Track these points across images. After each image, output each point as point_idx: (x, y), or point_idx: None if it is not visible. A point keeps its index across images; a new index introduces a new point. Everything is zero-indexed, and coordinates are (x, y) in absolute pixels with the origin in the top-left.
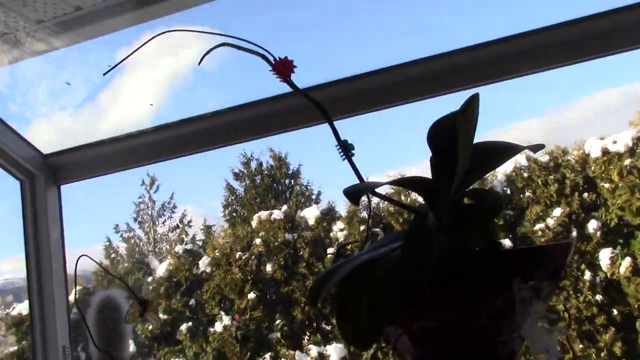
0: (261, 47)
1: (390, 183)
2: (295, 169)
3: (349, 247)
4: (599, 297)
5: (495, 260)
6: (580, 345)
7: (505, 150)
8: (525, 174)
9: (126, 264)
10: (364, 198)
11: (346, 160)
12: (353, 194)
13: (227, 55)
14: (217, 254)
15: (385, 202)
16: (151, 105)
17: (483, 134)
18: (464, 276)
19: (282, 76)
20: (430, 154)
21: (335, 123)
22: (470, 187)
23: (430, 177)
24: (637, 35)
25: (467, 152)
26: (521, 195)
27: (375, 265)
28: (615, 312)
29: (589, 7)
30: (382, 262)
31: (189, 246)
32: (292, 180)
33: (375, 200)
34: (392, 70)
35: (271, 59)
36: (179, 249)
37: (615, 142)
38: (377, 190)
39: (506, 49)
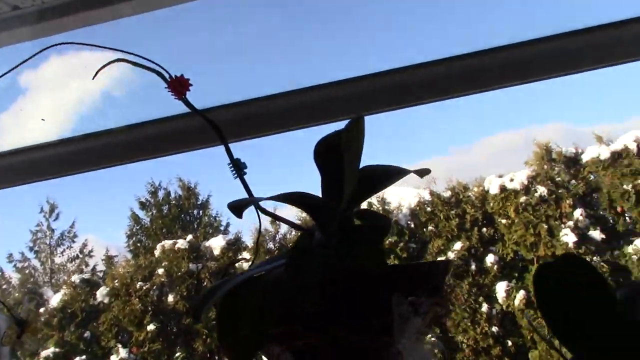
0: (158, 65)
1: (274, 198)
2: (204, 200)
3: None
4: (495, 329)
5: (376, 278)
6: None
7: (394, 173)
8: (429, 209)
9: (17, 294)
10: (252, 214)
11: (238, 178)
12: (237, 207)
13: (137, 77)
14: (116, 283)
15: (293, 230)
16: (43, 120)
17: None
18: (347, 294)
19: (178, 94)
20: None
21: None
22: (361, 208)
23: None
24: (554, 66)
25: (354, 170)
26: (424, 229)
27: (258, 282)
28: (509, 343)
29: (512, 36)
30: (266, 279)
31: (86, 275)
32: (201, 211)
33: (284, 228)
34: (288, 96)
35: (167, 76)
36: (75, 278)
37: (512, 180)
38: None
39: (399, 79)
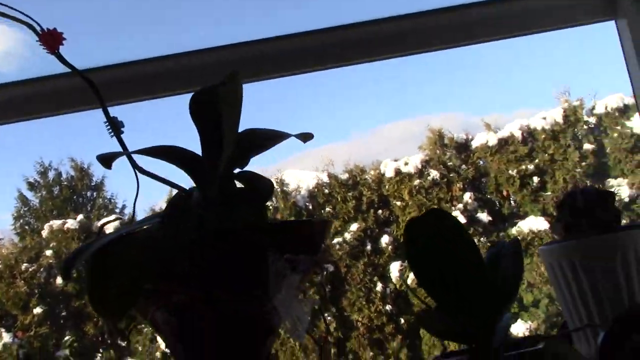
0: (29, 17)
1: (146, 151)
2: (98, 181)
3: None
4: (388, 307)
5: (253, 235)
6: (371, 353)
7: (276, 135)
8: (327, 191)
9: None
10: (155, 193)
11: (114, 137)
12: (106, 158)
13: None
14: None
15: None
16: None
17: (281, 160)
18: (223, 252)
19: (50, 48)
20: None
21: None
22: (242, 170)
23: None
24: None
25: (233, 127)
26: (322, 211)
27: (133, 239)
28: (402, 320)
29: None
30: (141, 236)
31: None
32: (95, 192)
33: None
34: (171, 59)
35: (39, 29)
36: None
37: (407, 163)
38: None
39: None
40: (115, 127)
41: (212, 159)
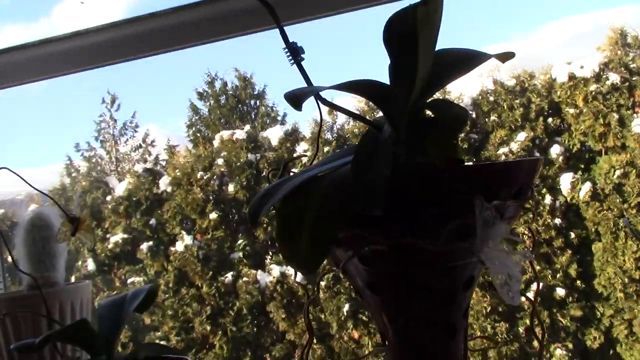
0: None
1: (338, 87)
2: (260, 90)
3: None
4: (557, 221)
5: (455, 177)
6: (537, 267)
7: (472, 57)
8: (492, 98)
9: (83, 183)
10: (309, 104)
11: (295, 65)
12: (294, 97)
13: None
14: (177, 173)
15: (351, 119)
16: (82, 3)
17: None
18: (420, 195)
19: None
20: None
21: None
22: (433, 98)
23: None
24: None
25: (429, 54)
26: (486, 119)
27: (320, 182)
28: (572, 235)
29: None
30: (329, 178)
31: (149, 165)
32: (258, 101)
33: (341, 118)
34: None
35: None
36: (138, 167)
37: (582, 67)
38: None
39: None
40: (295, 53)
41: (403, 87)
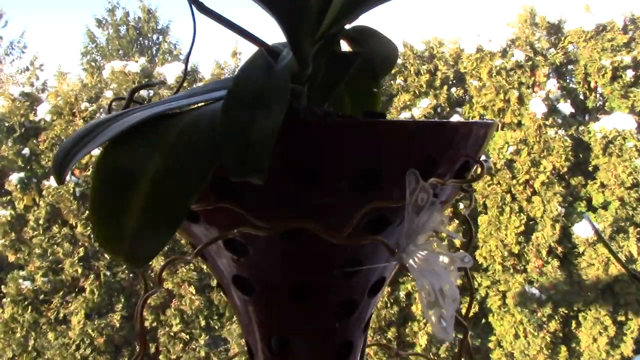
0: None
1: None
2: (165, 25)
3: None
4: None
5: (379, 137)
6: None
7: None
8: (400, 60)
9: None
10: (215, 45)
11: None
12: None
13: None
14: (59, 101)
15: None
16: None
17: None
18: (324, 163)
19: None
20: None
21: None
22: (355, 25)
23: None
24: None
25: None
26: (392, 82)
27: (176, 122)
28: (461, 206)
29: None
30: (190, 118)
31: (27, 89)
32: (160, 37)
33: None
34: None
35: None
36: (14, 90)
37: (490, 41)
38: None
39: None
40: None
41: (319, 4)
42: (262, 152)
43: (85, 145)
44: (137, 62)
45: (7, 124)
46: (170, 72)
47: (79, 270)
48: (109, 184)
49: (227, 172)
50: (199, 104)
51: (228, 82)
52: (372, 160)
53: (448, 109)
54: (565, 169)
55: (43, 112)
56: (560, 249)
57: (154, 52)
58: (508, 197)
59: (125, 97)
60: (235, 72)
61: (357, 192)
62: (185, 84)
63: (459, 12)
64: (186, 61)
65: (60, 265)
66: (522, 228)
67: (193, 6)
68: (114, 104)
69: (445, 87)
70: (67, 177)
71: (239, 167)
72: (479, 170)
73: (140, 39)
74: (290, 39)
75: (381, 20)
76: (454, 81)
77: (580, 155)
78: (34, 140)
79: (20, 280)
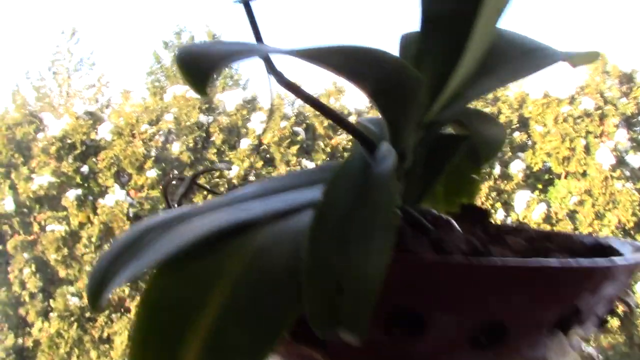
0: None
1: (302, 54)
2: None
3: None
4: None
5: (511, 281)
6: None
7: (543, 55)
8: None
9: (16, 115)
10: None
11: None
12: (195, 61)
13: None
14: (121, 121)
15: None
16: None
17: None
18: (431, 305)
19: None
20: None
21: None
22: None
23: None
24: None
25: (490, 27)
26: None
27: (243, 244)
28: None
29: None
30: (263, 241)
31: (91, 108)
32: None
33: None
34: None
35: None
36: (78, 109)
37: (558, 86)
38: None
39: None
40: None
41: (435, 78)
42: (360, 302)
43: (126, 267)
44: None
45: (69, 141)
46: (230, 99)
47: (126, 291)
48: (155, 327)
49: (312, 323)
50: (277, 209)
51: (316, 175)
52: (499, 310)
53: (510, 153)
54: (632, 224)
55: (104, 132)
56: (621, 308)
57: (215, 76)
58: None
59: (184, 179)
60: (335, 162)
61: (476, 350)
62: (245, 113)
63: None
64: (258, 147)
65: None
66: None
67: (272, 77)
68: (176, 186)
69: (508, 131)
70: (123, 197)
71: (327, 320)
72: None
73: None
74: (392, 131)
75: None
76: (518, 125)
77: None
78: (94, 159)
79: (69, 296)
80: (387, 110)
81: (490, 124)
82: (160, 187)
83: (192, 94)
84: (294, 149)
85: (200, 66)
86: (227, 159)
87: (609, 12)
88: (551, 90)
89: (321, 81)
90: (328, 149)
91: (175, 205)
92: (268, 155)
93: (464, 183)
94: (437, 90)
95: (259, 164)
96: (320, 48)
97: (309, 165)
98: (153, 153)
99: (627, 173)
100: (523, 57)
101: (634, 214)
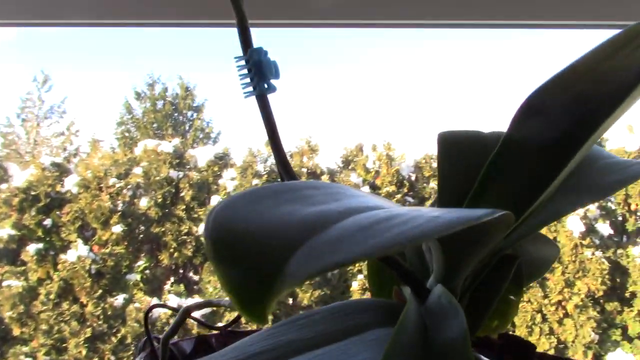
0: None
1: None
2: (200, 103)
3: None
4: None
5: None
6: None
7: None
8: (435, 165)
9: None
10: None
11: (251, 95)
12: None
13: None
14: (88, 174)
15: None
16: None
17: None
18: None
19: None
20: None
21: None
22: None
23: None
24: None
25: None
26: (425, 185)
27: None
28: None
29: None
30: None
31: (58, 158)
32: (195, 114)
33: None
34: None
35: None
36: (44, 159)
37: None
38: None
39: None
40: (259, 69)
41: (516, 207)
42: None
43: None
44: (170, 141)
45: (33, 193)
46: (202, 154)
47: (83, 352)
48: None
49: None
50: None
51: (339, 323)
52: None
53: None
54: (601, 293)
55: (70, 184)
56: None
57: (187, 128)
58: (538, 317)
59: (177, 310)
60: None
61: None
62: (216, 169)
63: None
64: None
65: (64, 345)
66: (552, 352)
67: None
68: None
69: None
70: (85, 253)
71: None
72: None
73: (176, 114)
74: (447, 267)
75: (422, 124)
76: None
77: (618, 280)
78: (57, 212)
79: (22, 357)
80: (449, 250)
81: (542, 242)
82: (134, 184)
83: (163, 148)
84: None
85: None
86: (195, 216)
87: None
88: None
89: (293, 139)
90: None
91: (160, 338)
92: None
93: (499, 303)
94: (514, 219)
95: None
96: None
97: None
98: (120, 207)
99: (597, 241)
100: (616, 184)
101: (603, 283)
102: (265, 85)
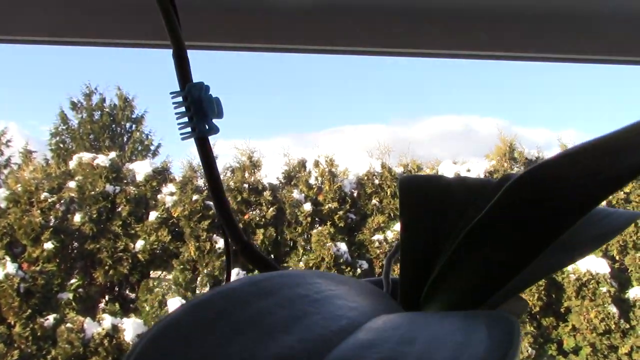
0: None
1: None
2: (139, 115)
3: None
4: None
5: None
6: None
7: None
8: (377, 181)
9: None
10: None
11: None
12: None
13: None
14: (18, 188)
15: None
16: None
17: (316, 130)
18: None
19: None
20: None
21: None
22: None
23: None
24: None
25: None
26: (367, 201)
27: None
28: None
29: None
30: None
31: None
32: (134, 125)
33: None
34: None
35: None
36: None
37: (469, 170)
38: None
39: None
40: (199, 112)
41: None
42: None
43: None
44: (107, 155)
45: None
46: (140, 169)
47: None
48: None
49: None
50: None
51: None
52: None
53: None
54: (537, 309)
55: None
56: None
57: (125, 139)
58: None
59: None
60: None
61: None
62: (155, 184)
63: (439, 138)
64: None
65: None
66: None
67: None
68: None
69: None
70: (14, 271)
71: None
72: None
73: (113, 125)
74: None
75: (362, 142)
76: None
77: (553, 295)
78: None
79: None
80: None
81: (514, 299)
82: (68, 198)
83: (99, 161)
84: (205, 223)
85: None
86: (132, 232)
87: None
88: (462, 173)
89: (234, 155)
90: (240, 225)
91: None
92: (177, 229)
93: None
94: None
95: (167, 238)
96: None
97: (219, 242)
98: (52, 223)
99: None
100: (595, 240)
101: (539, 299)
102: (206, 126)
